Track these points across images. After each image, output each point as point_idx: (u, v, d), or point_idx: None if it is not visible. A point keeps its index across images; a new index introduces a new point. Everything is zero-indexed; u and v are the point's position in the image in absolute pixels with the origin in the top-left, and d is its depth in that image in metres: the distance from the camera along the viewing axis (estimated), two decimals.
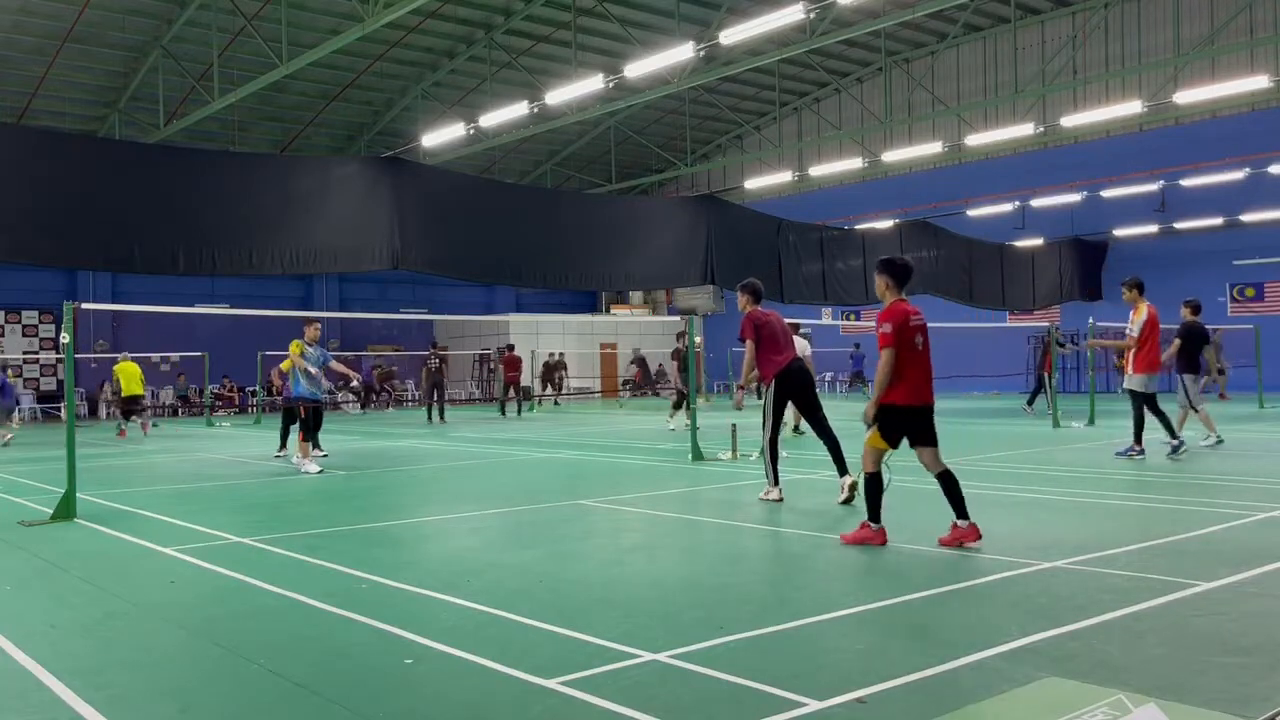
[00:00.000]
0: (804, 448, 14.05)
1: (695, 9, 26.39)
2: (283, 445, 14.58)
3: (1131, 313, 11.91)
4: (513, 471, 12.47)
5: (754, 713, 3.52)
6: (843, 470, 8.64)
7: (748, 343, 8.84)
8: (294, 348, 12.72)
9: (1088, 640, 4.33)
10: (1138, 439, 11.64)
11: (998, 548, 6.37)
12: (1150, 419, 11.67)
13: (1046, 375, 19.63)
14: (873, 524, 6.68)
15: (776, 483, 8.75)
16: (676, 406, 18.98)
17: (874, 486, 6.66)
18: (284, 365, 14.39)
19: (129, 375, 20.09)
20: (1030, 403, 21.60)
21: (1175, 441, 11.52)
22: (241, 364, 29.12)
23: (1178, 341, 12.86)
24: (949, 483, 6.51)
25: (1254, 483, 9.51)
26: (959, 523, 6.46)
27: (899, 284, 6.75)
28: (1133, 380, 11.80)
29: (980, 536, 6.40)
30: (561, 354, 33.27)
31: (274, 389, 22.37)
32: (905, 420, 6.55)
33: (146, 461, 14.92)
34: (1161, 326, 11.86)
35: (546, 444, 16.13)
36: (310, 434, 12.81)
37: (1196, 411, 12.64)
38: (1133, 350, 11.74)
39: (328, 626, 4.92)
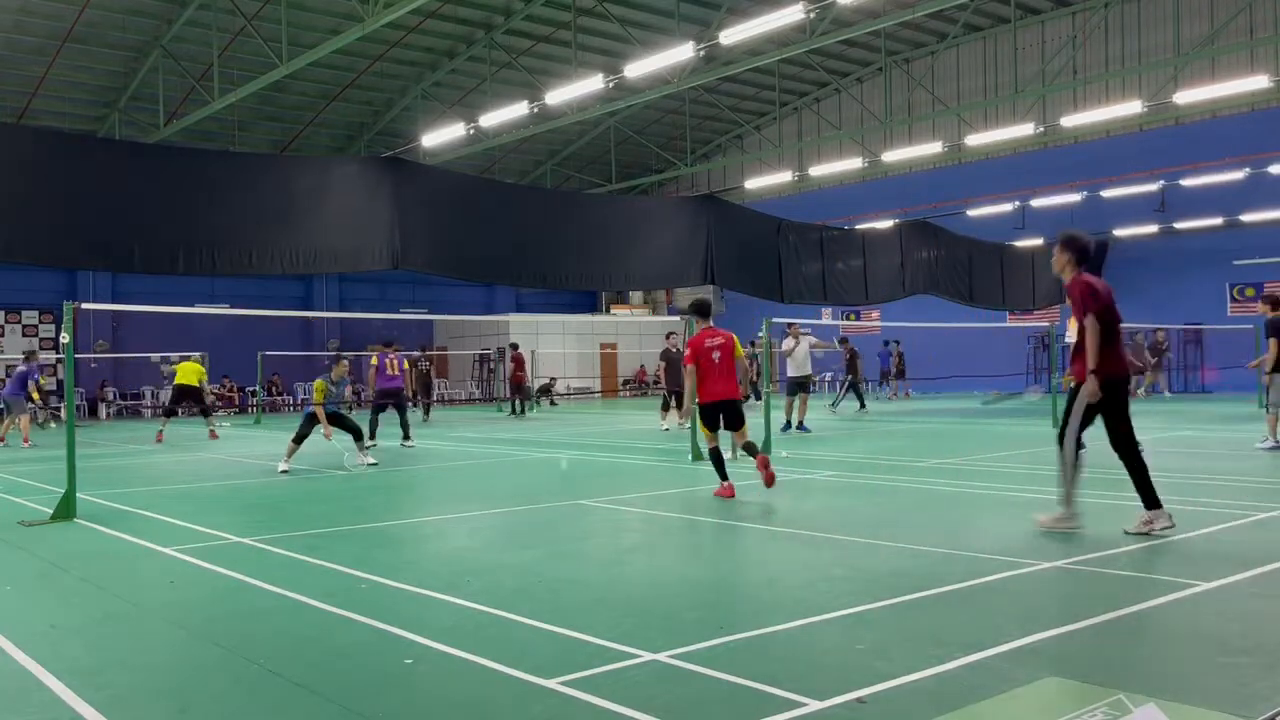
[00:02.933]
0: (804, 445, 14.06)
1: (695, 9, 26.39)
2: (372, 435, 15.59)
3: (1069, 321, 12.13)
4: (513, 471, 12.47)
5: (754, 713, 3.52)
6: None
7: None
8: (318, 393, 13.04)
9: (1088, 640, 4.33)
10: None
11: (998, 548, 6.38)
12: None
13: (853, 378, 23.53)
14: (723, 481, 9.02)
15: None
16: (665, 407, 19.02)
17: (716, 457, 9.19)
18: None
19: (185, 370, 19.48)
20: (834, 405, 24.08)
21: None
22: (241, 364, 29.11)
23: (1275, 342, 12.46)
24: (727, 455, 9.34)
25: (1254, 483, 9.51)
26: (726, 483, 9.03)
27: (703, 317, 9.47)
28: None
29: (733, 495, 8.87)
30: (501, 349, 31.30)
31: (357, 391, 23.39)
32: (714, 411, 9.12)
33: (146, 461, 14.92)
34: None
35: (546, 444, 16.13)
36: (301, 440, 12.90)
37: (1268, 411, 12.47)
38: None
39: (328, 626, 4.92)
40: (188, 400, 19.81)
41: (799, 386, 17.06)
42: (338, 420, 13.19)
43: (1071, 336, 12.24)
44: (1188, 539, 6.64)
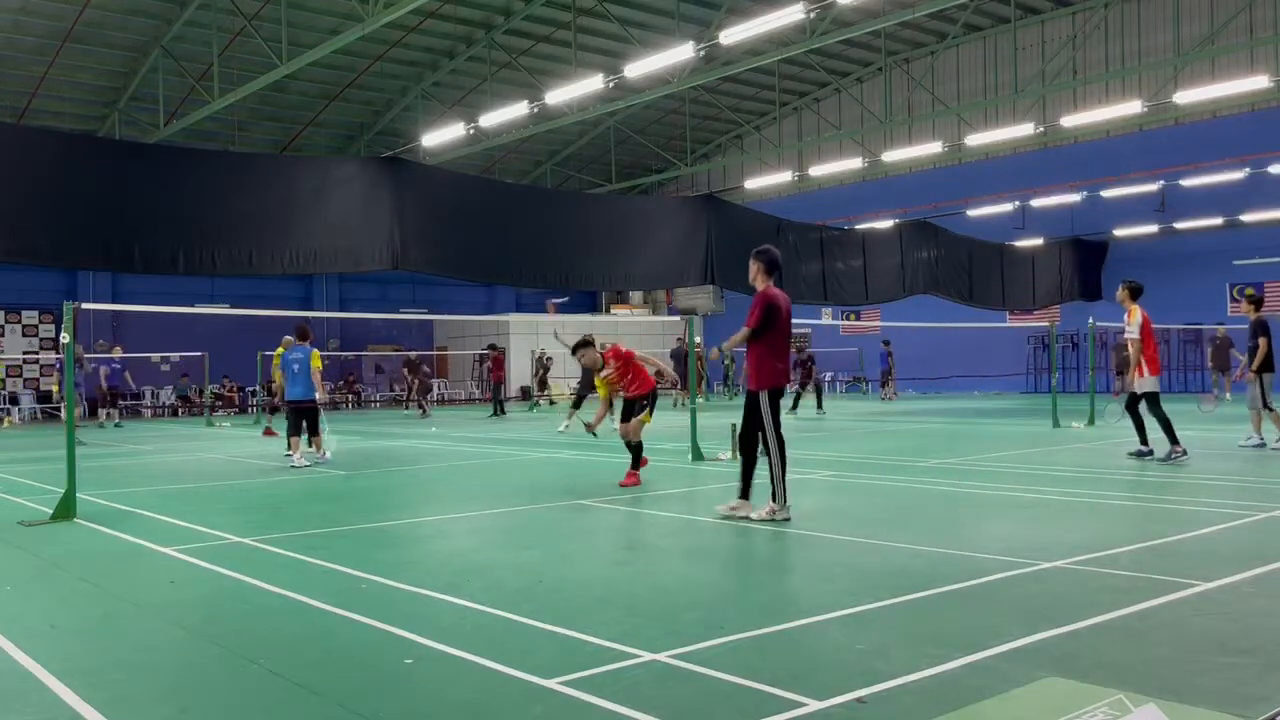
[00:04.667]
0: (804, 445, 14.06)
1: (695, 9, 26.40)
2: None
3: (1126, 316, 11.69)
4: (512, 471, 12.47)
5: (754, 713, 3.52)
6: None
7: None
8: (315, 358, 13.40)
9: (1088, 640, 4.33)
10: (1174, 439, 11.16)
11: (998, 548, 6.38)
12: (1149, 419, 11.53)
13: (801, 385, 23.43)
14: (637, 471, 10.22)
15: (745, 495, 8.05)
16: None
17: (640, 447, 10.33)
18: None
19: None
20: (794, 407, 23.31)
21: (1167, 449, 11.20)
22: (241, 364, 29.10)
23: (1265, 341, 12.64)
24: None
25: (1254, 483, 9.51)
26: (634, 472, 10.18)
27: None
28: (1145, 383, 11.49)
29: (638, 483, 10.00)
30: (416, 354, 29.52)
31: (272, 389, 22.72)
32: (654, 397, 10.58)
33: (146, 461, 14.92)
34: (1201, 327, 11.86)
35: (546, 444, 16.13)
36: (300, 432, 13.37)
37: (1271, 410, 12.52)
38: (1138, 353, 11.42)
39: (328, 626, 4.92)
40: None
41: None
42: (311, 415, 13.41)
43: (1133, 332, 11.54)
44: (1188, 539, 6.65)
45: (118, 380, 24.38)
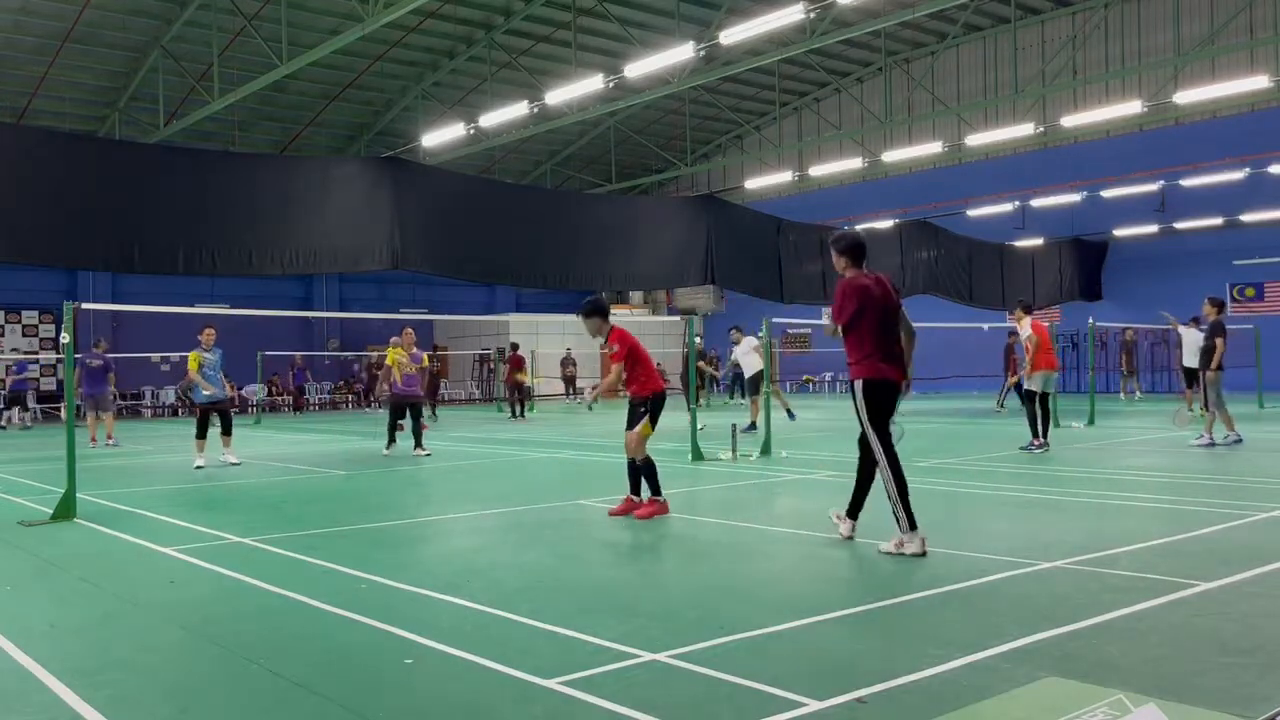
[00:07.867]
0: (804, 446, 14.05)
1: (695, 9, 26.40)
2: (390, 441, 14.82)
3: (1017, 326, 14.11)
4: (513, 471, 12.47)
5: (754, 713, 3.52)
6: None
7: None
8: (192, 361, 13.56)
9: (1088, 640, 4.33)
10: (1035, 434, 12.93)
11: (998, 548, 6.37)
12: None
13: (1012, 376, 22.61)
14: (659, 498, 8.15)
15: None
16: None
17: (651, 468, 8.16)
18: (389, 360, 14.90)
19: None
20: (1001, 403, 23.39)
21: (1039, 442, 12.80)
22: (241, 364, 29.06)
23: (1221, 341, 13.21)
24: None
25: (1254, 483, 9.51)
26: (634, 497, 8.20)
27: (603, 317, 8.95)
28: (1033, 381, 13.22)
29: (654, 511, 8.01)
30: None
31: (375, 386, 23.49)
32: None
33: (146, 461, 14.92)
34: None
35: (546, 444, 16.13)
36: (205, 435, 13.30)
37: (1208, 409, 13.12)
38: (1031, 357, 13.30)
39: (328, 626, 4.92)
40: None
41: (754, 385, 16.83)
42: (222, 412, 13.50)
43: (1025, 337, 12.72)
44: (1187, 539, 6.64)
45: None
